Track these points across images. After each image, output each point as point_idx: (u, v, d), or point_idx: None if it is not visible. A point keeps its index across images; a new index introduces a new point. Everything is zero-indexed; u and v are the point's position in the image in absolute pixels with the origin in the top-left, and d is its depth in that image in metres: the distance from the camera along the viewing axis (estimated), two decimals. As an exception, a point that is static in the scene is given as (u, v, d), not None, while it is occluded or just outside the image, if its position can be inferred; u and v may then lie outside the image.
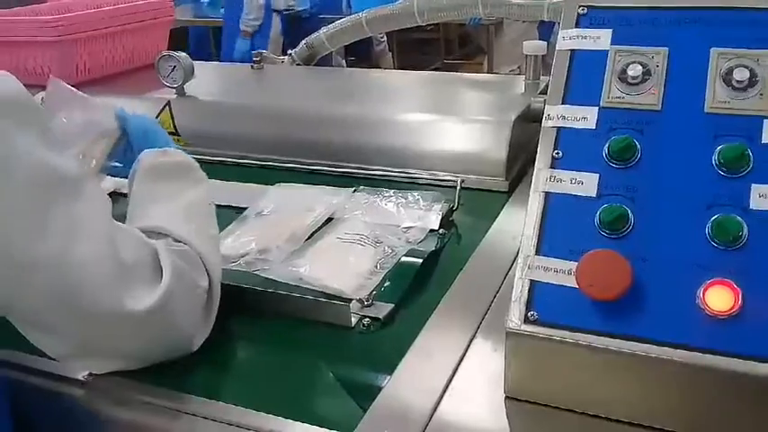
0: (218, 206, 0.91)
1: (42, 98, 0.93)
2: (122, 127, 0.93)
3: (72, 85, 0.97)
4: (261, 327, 0.85)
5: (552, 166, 0.67)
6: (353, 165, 1.27)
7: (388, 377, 0.71)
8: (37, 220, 0.63)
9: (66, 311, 0.66)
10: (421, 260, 0.93)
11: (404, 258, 0.94)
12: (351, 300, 0.85)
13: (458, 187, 1.10)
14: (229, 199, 1.13)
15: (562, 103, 0.70)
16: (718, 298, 0.57)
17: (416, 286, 0.90)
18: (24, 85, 0.67)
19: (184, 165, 0.89)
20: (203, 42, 4.86)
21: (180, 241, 0.76)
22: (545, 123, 0.70)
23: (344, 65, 3.18)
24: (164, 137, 0.95)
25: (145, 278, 0.70)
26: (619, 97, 0.68)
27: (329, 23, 1.77)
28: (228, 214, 1.08)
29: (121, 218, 0.76)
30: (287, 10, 4.29)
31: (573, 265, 0.61)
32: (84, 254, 0.65)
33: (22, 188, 0.62)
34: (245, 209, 1.11)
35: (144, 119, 0.97)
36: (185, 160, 0.90)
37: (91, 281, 0.65)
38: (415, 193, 1.12)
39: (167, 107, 1.43)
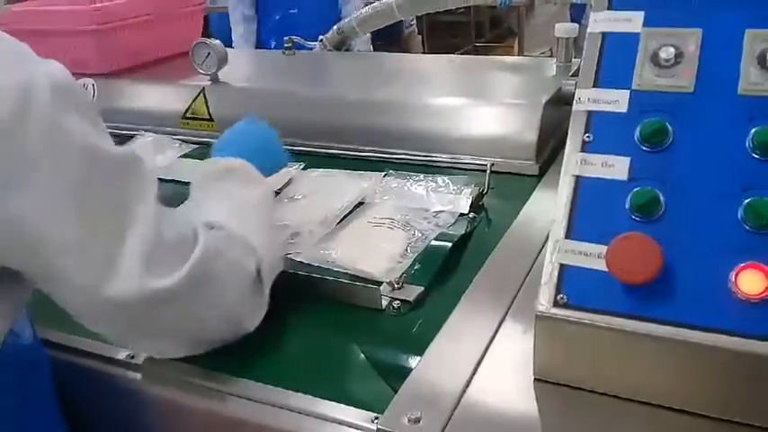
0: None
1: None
2: None
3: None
4: (293, 309, 0.87)
5: (583, 150, 0.67)
6: (384, 149, 1.27)
7: (419, 359, 0.72)
8: (90, 203, 0.63)
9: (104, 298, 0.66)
10: (450, 244, 0.94)
11: (434, 242, 0.95)
12: (381, 283, 0.86)
13: (488, 171, 1.10)
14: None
15: (593, 86, 0.69)
16: (751, 281, 0.57)
17: (446, 270, 0.90)
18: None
19: (233, 168, 0.89)
20: (222, 29, 4.88)
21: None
22: (576, 107, 0.70)
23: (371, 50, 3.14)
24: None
25: (183, 257, 0.69)
26: (651, 80, 0.67)
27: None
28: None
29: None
30: None
31: (603, 248, 0.61)
32: (131, 236, 0.65)
33: (77, 170, 0.62)
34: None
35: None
36: (233, 164, 0.89)
37: (128, 255, 0.65)
38: (445, 178, 1.12)
39: (202, 94, 1.45)
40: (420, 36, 5.06)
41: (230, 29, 3.38)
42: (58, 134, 0.60)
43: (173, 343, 0.75)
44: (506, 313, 0.77)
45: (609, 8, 0.72)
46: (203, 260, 0.69)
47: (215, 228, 0.76)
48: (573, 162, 0.67)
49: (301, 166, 1.22)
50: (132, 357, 0.78)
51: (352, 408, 0.68)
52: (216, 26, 4.93)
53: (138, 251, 0.65)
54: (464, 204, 1.04)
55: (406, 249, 0.94)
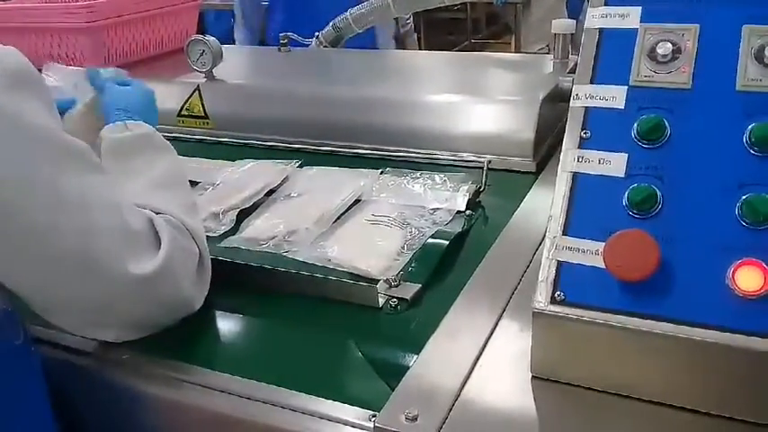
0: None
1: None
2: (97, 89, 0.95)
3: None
4: (290, 307, 0.86)
5: (580, 146, 0.67)
6: (381, 146, 1.27)
7: (416, 357, 0.72)
8: (51, 189, 0.64)
9: (81, 280, 0.68)
10: (448, 241, 0.93)
11: (431, 239, 0.94)
12: (378, 281, 0.86)
13: (485, 168, 1.10)
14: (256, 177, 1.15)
15: (590, 83, 0.69)
16: (748, 278, 0.57)
17: (443, 267, 0.90)
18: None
19: (146, 136, 0.89)
20: (219, 26, 4.87)
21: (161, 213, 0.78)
22: (573, 103, 0.69)
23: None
24: (137, 105, 0.94)
25: (148, 245, 0.72)
26: (648, 76, 0.67)
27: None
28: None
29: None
30: None
31: (600, 245, 0.61)
32: (99, 223, 0.67)
33: (37, 158, 0.63)
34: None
35: (118, 87, 0.97)
36: (147, 131, 0.89)
37: (104, 249, 0.68)
38: (442, 175, 1.12)
39: (197, 91, 1.44)
40: (416, 33, 5.05)
41: (229, 27, 3.34)
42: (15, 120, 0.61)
43: (128, 329, 0.76)
44: (504, 311, 0.77)
45: (606, 4, 0.72)
46: (170, 251, 0.72)
47: (162, 214, 0.77)
48: (570, 158, 0.67)
49: (297, 164, 1.21)
50: (126, 356, 0.77)
51: (349, 406, 0.68)
52: (212, 23, 4.91)
53: (111, 241, 0.67)
54: (461, 202, 1.04)
55: (403, 247, 0.93)
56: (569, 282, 0.62)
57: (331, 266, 0.90)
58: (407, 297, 0.84)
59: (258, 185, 1.12)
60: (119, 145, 0.86)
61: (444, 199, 1.05)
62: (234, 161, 1.24)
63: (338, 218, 1.02)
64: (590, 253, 0.62)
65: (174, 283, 0.75)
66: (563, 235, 0.64)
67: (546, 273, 0.63)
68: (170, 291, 0.74)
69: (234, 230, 1.02)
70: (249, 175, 1.17)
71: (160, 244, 0.73)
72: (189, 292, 0.78)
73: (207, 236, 0.98)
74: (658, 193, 0.62)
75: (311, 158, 1.26)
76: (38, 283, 0.68)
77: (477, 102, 1.27)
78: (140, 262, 0.70)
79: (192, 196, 0.88)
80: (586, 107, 0.68)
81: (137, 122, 0.90)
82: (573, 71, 1.26)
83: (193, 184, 1.16)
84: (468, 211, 1.02)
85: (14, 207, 0.63)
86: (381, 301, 0.84)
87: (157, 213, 0.77)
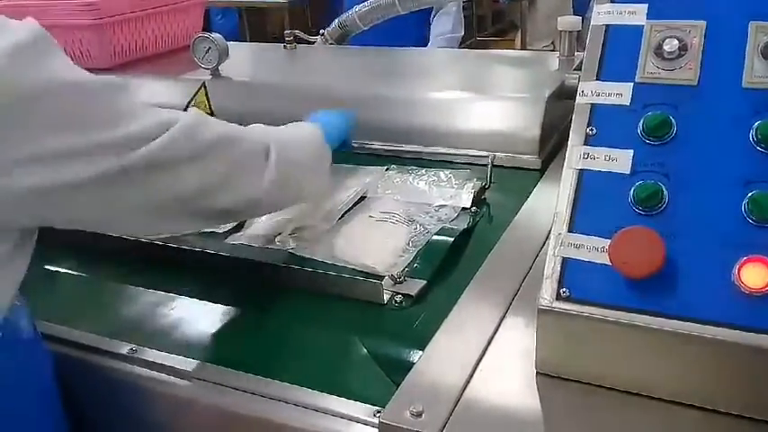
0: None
1: None
2: None
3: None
4: (295, 303, 0.87)
5: (586, 143, 0.67)
6: (386, 143, 1.27)
7: (420, 353, 0.72)
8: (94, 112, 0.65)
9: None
10: (453, 238, 0.94)
11: (436, 236, 0.95)
12: (383, 277, 0.86)
13: (490, 165, 1.10)
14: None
15: (596, 80, 0.69)
16: (754, 275, 0.57)
17: (448, 264, 0.90)
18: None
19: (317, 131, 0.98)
20: (225, 23, 4.87)
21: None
22: (579, 100, 0.69)
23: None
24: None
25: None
26: (654, 73, 0.67)
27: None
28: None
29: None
30: None
31: (606, 242, 0.61)
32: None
33: (72, 96, 0.64)
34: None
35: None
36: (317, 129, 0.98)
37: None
38: (447, 172, 1.12)
39: (203, 88, 1.45)
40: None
41: (235, 25, 3.33)
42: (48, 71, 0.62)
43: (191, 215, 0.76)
44: (509, 307, 0.77)
45: (612, 1, 0.71)
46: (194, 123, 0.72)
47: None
48: (576, 155, 0.67)
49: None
50: (134, 351, 0.78)
51: (354, 401, 0.68)
52: (218, 22, 4.91)
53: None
54: (466, 199, 1.04)
55: (408, 244, 0.93)
56: (574, 278, 0.62)
57: (336, 263, 0.91)
58: (412, 293, 0.84)
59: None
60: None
61: (449, 196, 1.05)
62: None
63: (343, 215, 1.03)
64: (595, 250, 0.62)
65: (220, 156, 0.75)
66: (568, 232, 0.64)
67: (551, 269, 0.63)
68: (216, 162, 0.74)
69: (239, 228, 1.02)
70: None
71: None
72: (247, 165, 0.79)
73: (212, 232, 0.99)
74: (664, 189, 0.62)
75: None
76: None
77: (483, 99, 1.27)
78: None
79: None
80: (592, 104, 0.68)
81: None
82: (579, 68, 1.26)
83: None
84: (473, 208, 1.02)
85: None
86: (386, 297, 0.84)
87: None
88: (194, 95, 1.45)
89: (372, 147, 1.27)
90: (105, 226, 0.77)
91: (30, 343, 0.73)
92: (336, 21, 1.83)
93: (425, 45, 2.72)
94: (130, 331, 0.82)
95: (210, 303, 0.88)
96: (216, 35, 1.46)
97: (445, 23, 2.74)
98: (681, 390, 0.61)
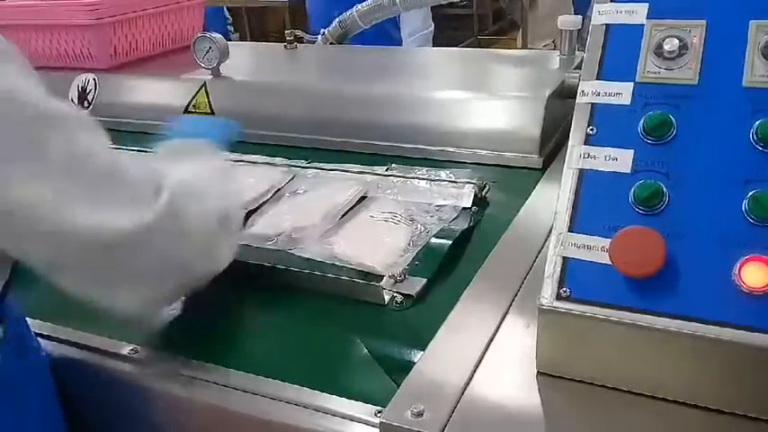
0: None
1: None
2: None
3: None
4: (296, 304, 0.87)
5: (586, 143, 0.67)
6: (387, 143, 1.27)
7: (421, 353, 0.72)
8: (39, 154, 0.63)
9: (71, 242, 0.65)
10: (453, 238, 0.94)
11: (436, 236, 0.95)
12: (383, 277, 0.86)
13: (491, 165, 1.10)
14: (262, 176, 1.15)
15: (597, 79, 0.69)
16: (754, 274, 0.57)
17: (449, 264, 0.90)
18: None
19: (208, 147, 0.89)
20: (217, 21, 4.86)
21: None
22: (579, 99, 0.69)
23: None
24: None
25: (147, 196, 0.69)
26: (654, 72, 0.67)
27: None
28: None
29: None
30: None
31: (606, 241, 0.61)
32: (89, 175, 0.65)
33: (27, 123, 0.62)
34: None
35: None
36: (208, 144, 0.90)
37: (95, 201, 0.65)
38: (448, 171, 1.12)
39: (203, 88, 1.45)
40: (422, 29, 5.04)
41: (224, 25, 3.32)
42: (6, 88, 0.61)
43: (140, 288, 0.71)
44: (509, 307, 0.77)
45: (613, 0, 0.71)
46: (173, 198, 0.69)
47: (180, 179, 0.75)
48: (576, 155, 0.67)
49: (305, 163, 1.21)
50: (135, 352, 0.78)
51: (354, 401, 0.68)
52: (207, 22, 4.88)
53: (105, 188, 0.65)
54: (467, 198, 1.04)
55: (409, 243, 0.93)
56: (575, 278, 0.62)
57: (337, 263, 0.91)
58: (413, 293, 0.84)
59: (265, 186, 1.12)
60: (170, 148, 0.87)
61: (450, 195, 1.05)
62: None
63: (344, 214, 1.03)
64: (596, 249, 0.62)
65: (175, 235, 0.70)
66: (569, 231, 0.64)
67: (552, 269, 0.63)
68: (178, 238, 0.71)
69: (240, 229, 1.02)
70: (254, 177, 1.17)
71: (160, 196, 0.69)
72: (208, 240, 0.75)
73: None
74: (664, 189, 0.62)
75: (317, 155, 1.26)
76: (37, 251, 0.66)
77: (484, 98, 1.27)
78: (136, 212, 0.66)
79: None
80: (593, 103, 0.68)
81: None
82: (579, 67, 1.26)
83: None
84: (473, 208, 1.02)
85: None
86: (387, 297, 0.84)
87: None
88: (194, 95, 1.45)
89: (373, 146, 1.27)
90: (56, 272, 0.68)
91: (28, 343, 0.73)
92: (337, 20, 1.83)
93: (399, 45, 2.65)
94: (130, 331, 0.82)
95: (210, 304, 0.88)
96: (216, 35, 1.46)
97: (414, 18, 2.65)
98: (681, 389, 0.61)
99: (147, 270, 0.70)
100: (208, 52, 1.45)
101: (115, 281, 0.69)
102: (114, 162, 0.68)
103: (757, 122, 0.61)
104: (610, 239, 0.61)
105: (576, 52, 1.38)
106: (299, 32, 1.74)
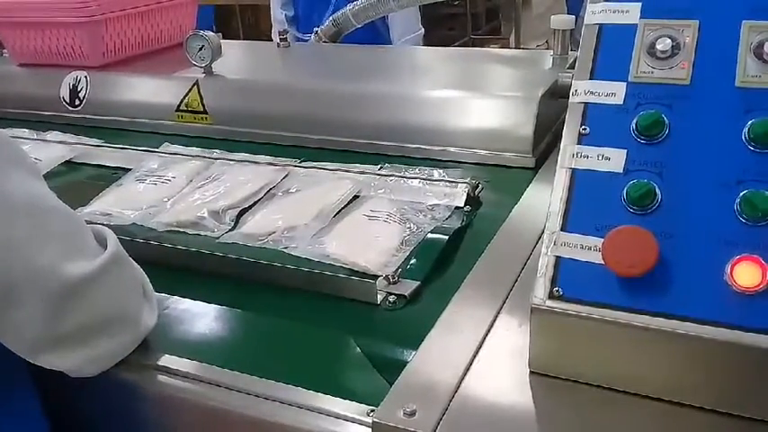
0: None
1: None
2: None
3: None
4: (288, 303, 0.86)
5: (579, 142, 0.67)
6: (379, 142, 1.27)
7: (414, 352, 0.72)
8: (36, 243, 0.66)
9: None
10: (446, 237, 0.93)
11: (429, 236, 0.94)
12: (377, 277, 0.86)
13: (483, 164, 1.10)
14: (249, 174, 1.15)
15: (590, 79, 0.69)
16: (746, 274, 0.57)
17: (442, 263, 0.90)
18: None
19: None
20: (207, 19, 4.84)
21: None
22: (572, 99, 0.69)
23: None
24: None
25: (93, 252, 0.72)
26: (647, 72, 0.67)
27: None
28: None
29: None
30: None
31: (599, 241, 0.61)
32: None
33: (23, 217, 0.65)
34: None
35: None
36: None
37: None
38: (441, 171, 1.12)
39: (195, 86, 1.44)
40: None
41: (211, 23, 3.32)
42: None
43: (86, 350, 0.72)
44: (502, 306, 0.77)
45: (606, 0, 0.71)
46: (116, 252, 0.73)
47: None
48: (569, 154, 0.67)
49: (297, 162, 1.21)
50: (133, 352, 0.77)
51: (347, 401, 0.68)
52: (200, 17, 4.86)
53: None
54: (460, 197, 1.04)
55: (402, 243, 0.93)
56: (568, 277, 0.62)
57: (329, 262, 0.90)
58: (406, 293, 0.84)
59: (258, 185, 1.12)
60: None
61: (443, 195, 1.05)
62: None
63: (337, 213, 1.02)
64: (588, 249, 0.62)
65: (117, 291, 0.72)
66: (561, 231, 0.64)
67: (544, 268, 0.63)
68: (109, 299, 0.72)
69: (232, 227, 1.02)
70: (247, 174, 1.17)
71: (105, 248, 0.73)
72: (135, 305, 0.75)
73: (207, 235, 0.99)
74: (657, 189, 0.62)
75: (310, 154, 1.26)
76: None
77: (477, 97, 1.27)
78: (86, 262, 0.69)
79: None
80: (585, 103, 0.68)
81: None
82: (572, 67, 1.26)
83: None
84: (466, 207, 1.02)
85: None
86: (380, 297, 0.84)
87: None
88: (186, 94, 1.44)
89: (366, 145, 1.27)
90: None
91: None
92: (331, 18, 1.83)
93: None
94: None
95: (204, 303, 0.88)
96: (209, 33, 1.45)
97: (404, 21, 2.62)
98: (674, 388, 0.61)
99: (87, 323, 0.70)
100: (200, 50, 1.45)
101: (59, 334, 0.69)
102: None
103: (750, 122, 0.61)
104: (602, 239, 0.61)
105: (570, 52, 1.38)
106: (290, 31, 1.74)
